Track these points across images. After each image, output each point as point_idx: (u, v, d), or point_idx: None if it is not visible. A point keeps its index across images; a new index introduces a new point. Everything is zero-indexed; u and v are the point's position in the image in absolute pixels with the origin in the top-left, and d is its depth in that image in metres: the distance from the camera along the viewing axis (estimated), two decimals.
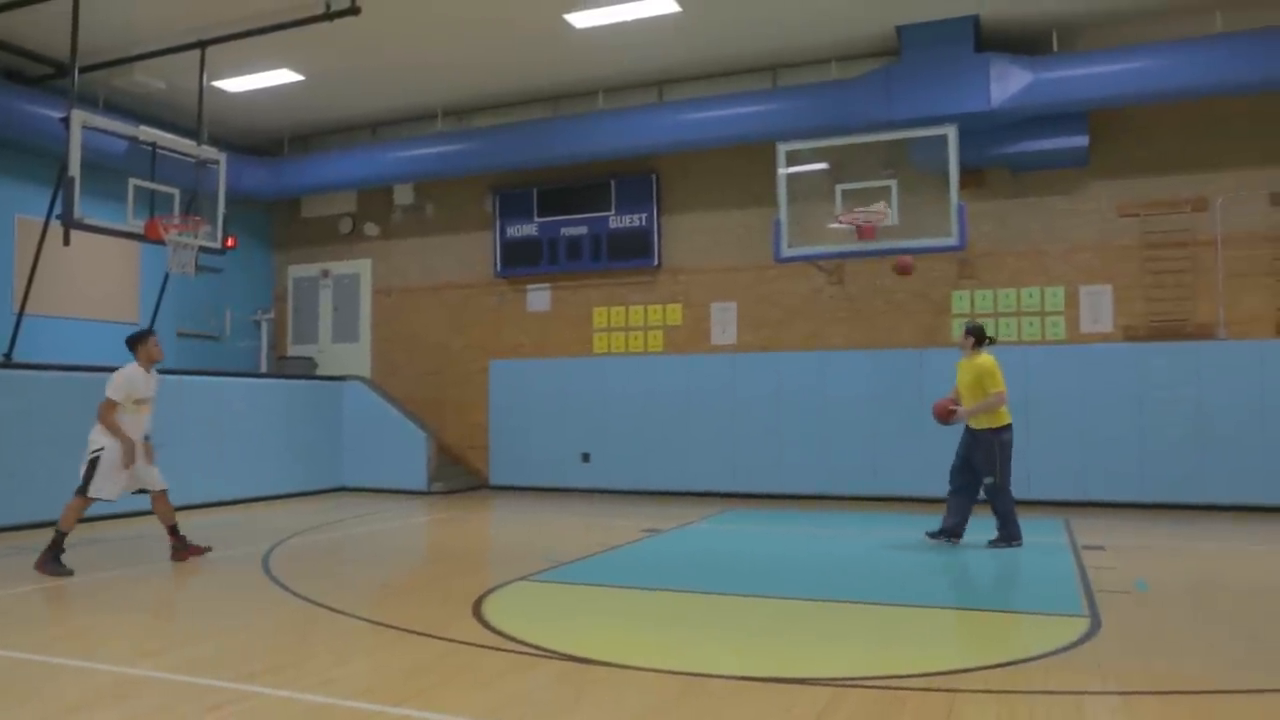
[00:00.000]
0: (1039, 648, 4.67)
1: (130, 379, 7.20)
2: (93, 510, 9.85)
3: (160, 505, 7.44)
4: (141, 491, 7.36)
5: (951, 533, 8.04)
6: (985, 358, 7.86)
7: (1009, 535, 7.87)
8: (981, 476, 7.83)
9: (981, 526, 8.13)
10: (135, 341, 7.42)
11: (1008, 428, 7.77)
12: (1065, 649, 4.66)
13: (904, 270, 9.86)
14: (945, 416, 7.99)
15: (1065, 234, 11.42)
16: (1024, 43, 10.98)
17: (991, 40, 10.93)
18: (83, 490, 7.01)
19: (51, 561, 6.81)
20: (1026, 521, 9.63)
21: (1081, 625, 5.12)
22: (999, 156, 11.17)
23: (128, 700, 3.92)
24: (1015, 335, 11.49)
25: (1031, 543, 8.36)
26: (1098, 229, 11.28)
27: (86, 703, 3.88)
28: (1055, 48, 10.86)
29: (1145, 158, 11.08)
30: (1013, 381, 10.90)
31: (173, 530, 7.50)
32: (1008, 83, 10.37)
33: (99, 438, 7.09)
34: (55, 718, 3.71)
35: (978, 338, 7.94)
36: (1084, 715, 3.73)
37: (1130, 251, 11.13)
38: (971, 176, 11.37)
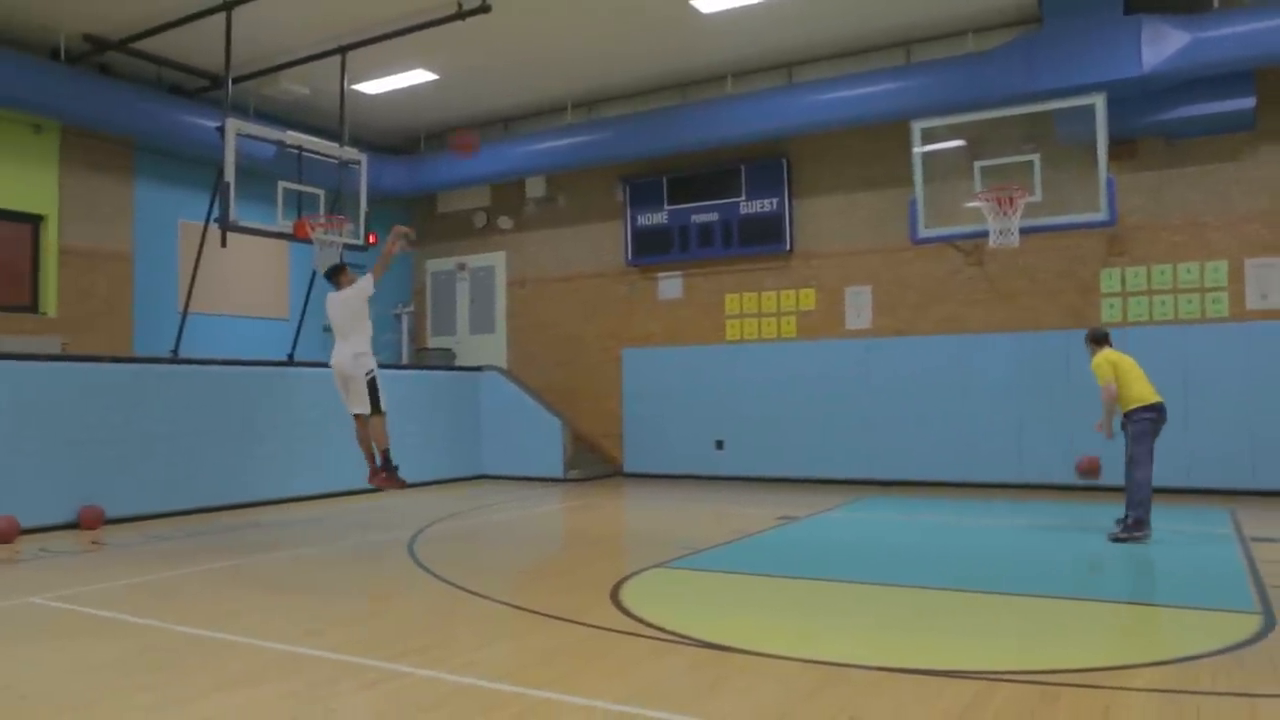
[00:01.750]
0: (1206, 645, 4.39)
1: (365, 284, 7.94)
2: (253, 497, 10.51)
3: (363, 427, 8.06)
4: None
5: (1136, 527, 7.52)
6: (1097, 358, 7.80)
7: (1133, 523, 7.46)
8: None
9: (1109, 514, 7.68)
10: (340, 272, 8.14)
11: (1141, 410, 7.53)
12: (1236, 647, 4.37)
13: (1089, 471, 8.56)
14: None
15: (1229, 204, 10.67)
16: (1179, 0, 10.29)
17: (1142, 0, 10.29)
18: (379, 409, 7.77)
19: (394, 474, 7.84)
20: (1187, 510, 9.11)
21: (1253, 622, 4.79)
22: (1152, 124, 10.51)
23: (289, 676, 4.13)
24: (1171, 314, 10.82)
25: (1194, 533, 7.89)
26: (1267, 197, 10.48)
27: (253, 677, 4.11)
28: (1216, 3, 10.14)
29: None
30: (1170, 363, 10.40)
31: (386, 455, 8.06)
32: (1162, 45, 9.74)
33: (370, 357, 7.82)
34: (225, 688, 3.95)
35: (1096, 340, 7.96)
36: (1259, 718, 3.48)
37: None
38: (1122, 147, 10.75)
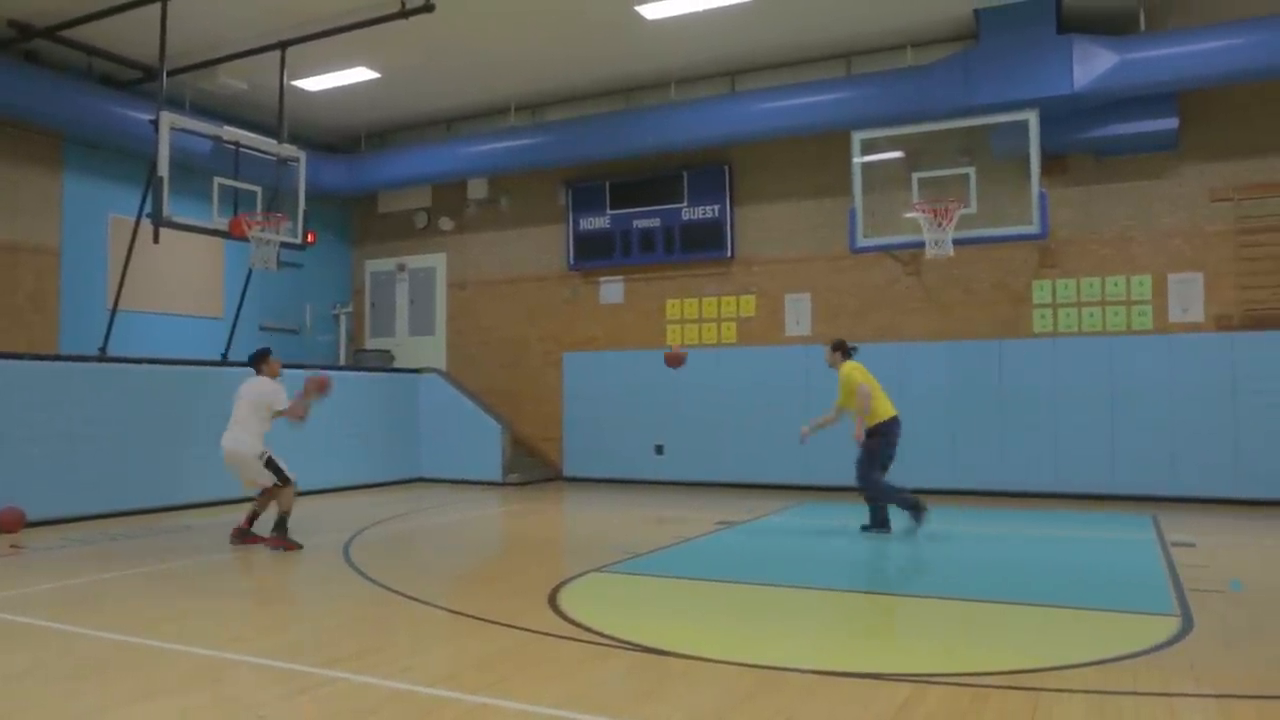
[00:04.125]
0: (1128, 647, 4.53)
1: (281, 389, 7.92)
2: (183, 499, 10.27)
3: (266, 499, 8.03)
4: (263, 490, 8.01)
5: (883, 524, 8.37)
6: (847, 367, 8.35)
7: (876, 522, 8.32)
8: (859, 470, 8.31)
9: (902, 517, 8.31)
10: (262, 360, 8.07)
11: (885, 424, 8.17)
12: (1156, 649, 4.51)
13: (675, 363, 9.45)
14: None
15: (1153, 220, 11.04)
16: (1109, 22, 10.62)
17: (1074, 21, 10.60)
18: (286, 481, 7.77)
19: (285, 536, 7.67)
20: (1112, 517, 9.39)
21: (1172, 625, 4.95)
22: (1082, 141, 10.84)
23: (220, 683, 4.04)
24: (1100, 325, 11.15)
25: (1117, 538, 8.13)
26: (1188, 215, 10.87)
27: (181, 684, 4.02)
28: (1143, 27, 10.49)
29: (1239, 140, 10.63)
30: (1097, 372, 10.74)
31: (254, 519, 8.00)
32: (1092, 65, 10.05)
33: (257, 443, 7.69)
34: (152, 696, 3.85)
35: (842, 350, 8.50)
36: (1177, 718, 3.60)
37: (1223, 237, 10.71)
38: (1054, 162, 11.05)
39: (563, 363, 13.94)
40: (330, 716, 3.65)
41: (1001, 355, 11.30)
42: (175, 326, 12.89)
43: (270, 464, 7.69)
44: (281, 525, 7.71)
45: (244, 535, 7.85)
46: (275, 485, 7.75)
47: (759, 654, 4.45)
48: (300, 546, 7.67)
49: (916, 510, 8.15)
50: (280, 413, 7.77)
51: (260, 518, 7.95)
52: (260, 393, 7.81)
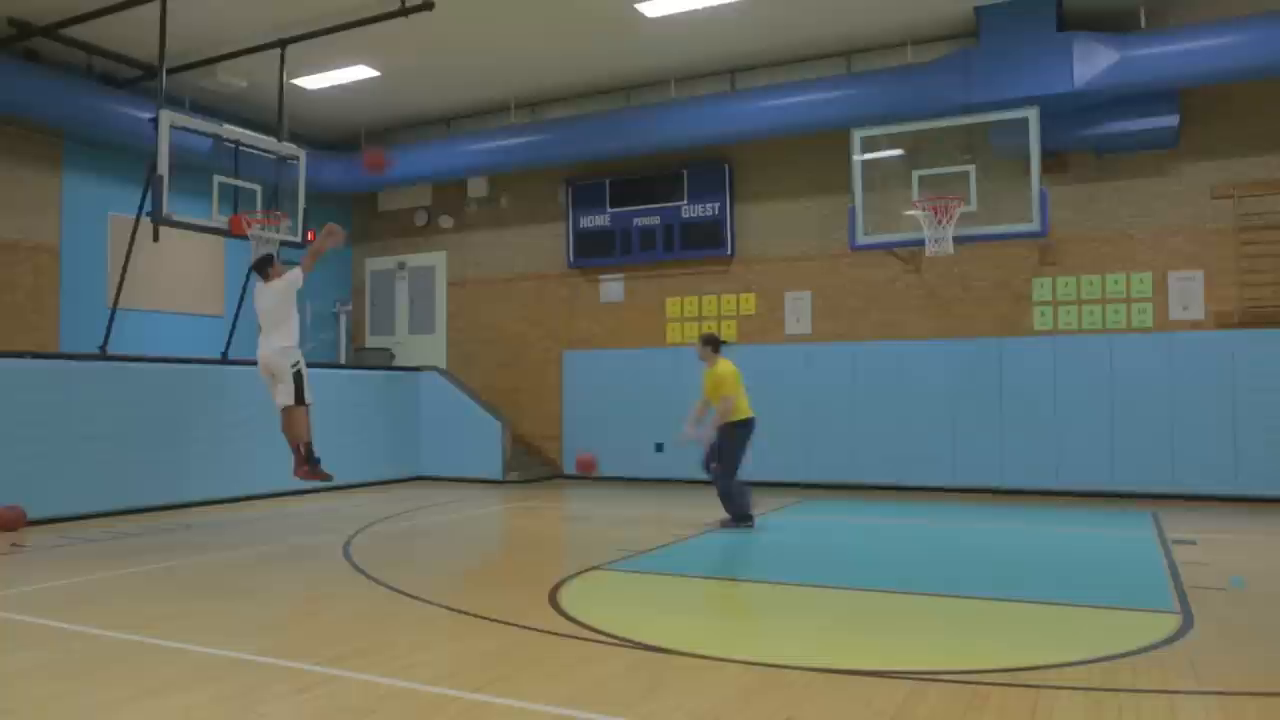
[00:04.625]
0: (1128, 644, 4.53)
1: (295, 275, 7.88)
2: (184, 497, 10.28)
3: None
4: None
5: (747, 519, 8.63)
6: (721, 365, 8.54)
7: (737, 517, 8.54)
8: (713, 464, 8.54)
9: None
10: (267, 263, 8.10)
11: (744, 422, 8.46)
12: (1156, 646, 4.52)
13: (585, 468, 9.40)
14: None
15: (1153, 218, 11.03)
16: (1109, 20, 10.62)
17: (1075, 18, 10.60)
18: (302, 400, 7.75)
19: (316, 467, 7.76)
20: (1112, 514, 9.40)
21: (1173, 622, 4.95)
22: (1083, 139, 10.83)
23: (221, 681, 4.04)
24: (1100, 323, 11.15)
25: (1118, 536, 8.14)
26: (1189, 212, 10.87)
27: (182, 683, 4.02)
28: (1143, 24, 10.48)
29: (1240, 137, 10.62)
30: (1097, 370, 10.74)
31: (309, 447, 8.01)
32: (1093, 62, 10.04)
33: (295, 348, 7.73)
34: (153, 694, 3.85)
35: (714, 346, 8.64)
36: (1177, 715, 3.60)
37: (1224, 235, 10.70)
38: (1053, 160, 11.05)
39: (563, 361, 13.94)
40: (331, 714, 3.65)
41: (1002, 353, 11.30)
42: (175, 325, 12.90)
43: (298, 378, 7.69)
44: (307, 455, 7.73)
45: (302, 467, 7.86)
46: (289, 406, 7.69)
47: (759, 652, 4.45)
48: (330, 477, 7.79)
49: (741, 522, 8.48)
50: (305, 272, 7.76)
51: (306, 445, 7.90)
52: (276, 290, 7.85)
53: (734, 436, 8.46)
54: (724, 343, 8.85)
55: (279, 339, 7.75)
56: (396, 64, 12.16)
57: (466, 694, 3.82)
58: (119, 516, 9.40)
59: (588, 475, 9.33)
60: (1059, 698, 3.76)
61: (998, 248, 11.35)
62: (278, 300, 7.82)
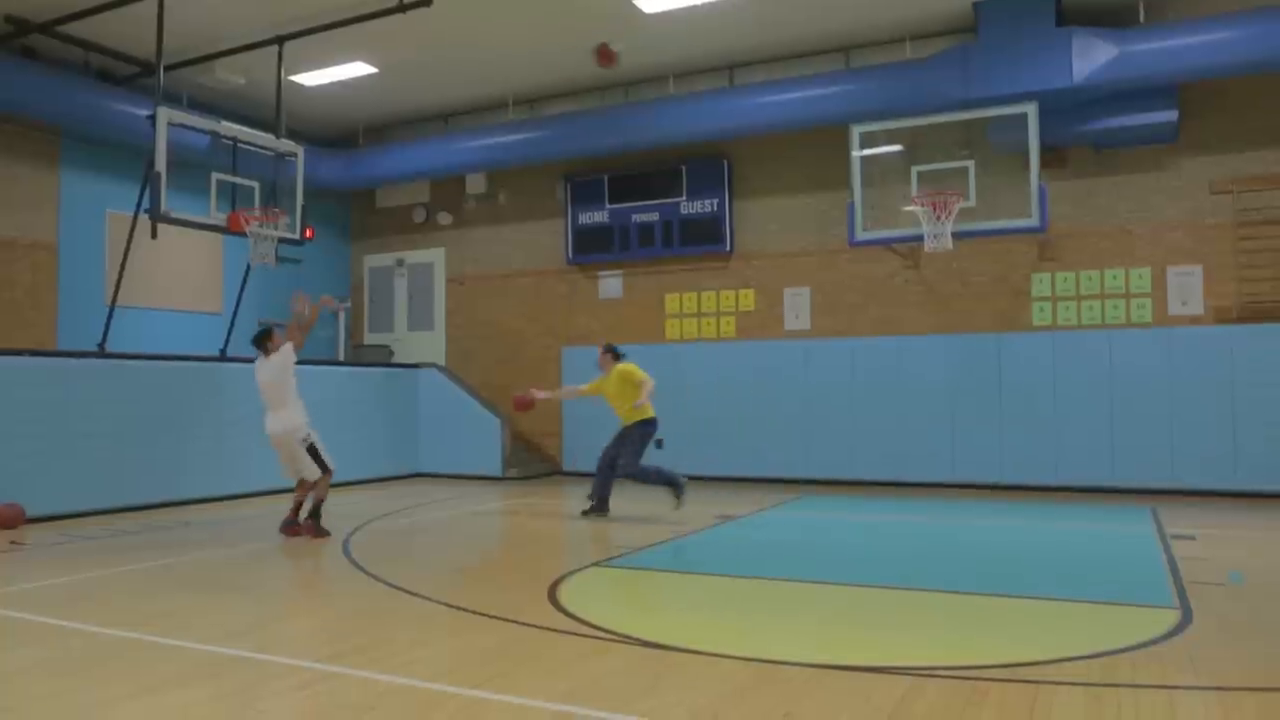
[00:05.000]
0: (1127, 640, 4.54)
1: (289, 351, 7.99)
2: (183, 495, 10.28)
3: (304, 489, 8.15)
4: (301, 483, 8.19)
5: (601, 507, 9.28)
6: (625, 366, 9.19)
7: (673, 486, 9.08)
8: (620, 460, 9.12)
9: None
10: (266, 338, 8.08)
11: (650, 421, 9.15)
12: (1155, 641, 4.52)
13: (523, 407, 9.71)
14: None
15: (1152, 213, 11.03)
16: (1108, 14, 10.61)
17: (1073, 13, 10.58)
18: (325, 469, 7.90)
19: (317, 525, 7.89)
20: (1111, 509, 9.40)
21: (1172, 618, 4.95)
22: (1081, 134, 10.82)
23: (220, 678, 4.04)
24: (1099, 318, 11.14)
25: (1117, 531, 8.14)
26: (1188, 207, 10.86)
27: (181, 680, 4.02)
28: (1142, 19, 10.47)
29: (1239, 132, 10.61)
30: (1096, 365, 10.73)
31: (299, 508, 8.15)
32: (1091, 57, 10.03)
33: (301, 424, 7.78)
34: (152, 691, 3.85)
35: (615, 354, 9.35)
36: (1176, 710, 3.60)
37: (1222, 230, 10.70)
38: (1052, 155, 11.04)
39: (562, 357, 13.93)
40: (330, 711, 3.65)
41: (1001, 349, 11.30)
42: (174, 322, 12.88)
43: (312, 451, 7.79)
44: (315, 513, 7.91)
45: (291, 526, 8.00)
46: (315, 478, 7.90)
47: (758, 648, 4.45)
48: (329, 534, 7.89)
49: (676, 486, 9.05)
50: (297, 346, 7.89)
51: (304, 506, 8.07)
52: (274, 365, 7.85)
53: (644, 433, 9.12)
54: (623, 353, 9.52)
55: (285, 418, 7.75)
56: (394, 60, 12.14)
57: (465, 690, 3.82)
58: (118, 514, 9.39)
59: (528, 411, 9.72)
60: (1058, 693, 3.76)
61: (997, 243, 11.34)
62: (276, 376, 7.80)
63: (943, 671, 4.05)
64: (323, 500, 7.97)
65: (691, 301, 13.39)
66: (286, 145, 10.92)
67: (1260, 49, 9.57)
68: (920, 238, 10.34)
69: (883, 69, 11.27)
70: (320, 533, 7.87)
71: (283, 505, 10.27)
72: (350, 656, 4.32)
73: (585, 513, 9.34)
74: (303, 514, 8.04)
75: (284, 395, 7.79)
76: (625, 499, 10.87)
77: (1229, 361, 10.30)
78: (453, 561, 7.42)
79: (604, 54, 10.10)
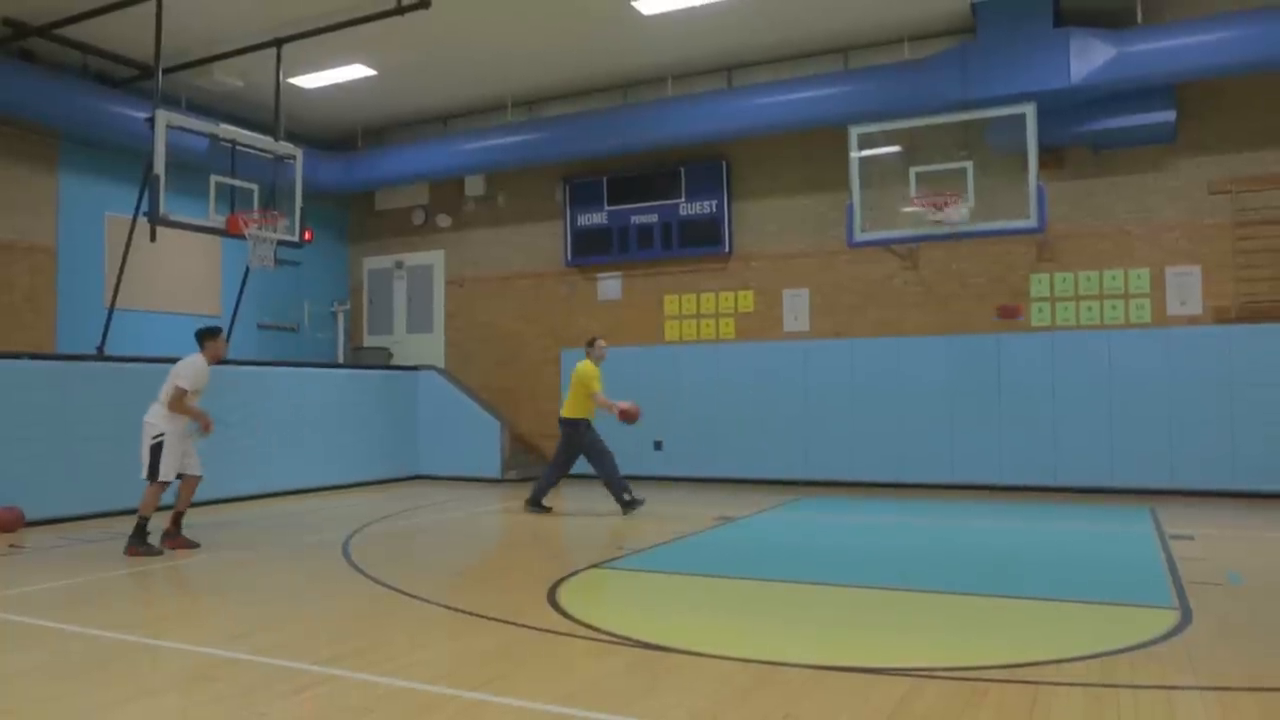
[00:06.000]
0: (1126, 640, 4.54)
1: (200, 371, 7.54)
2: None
3: (187, 490, 7.60)
4: (179, 476, 7.49)
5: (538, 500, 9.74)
6: (581, 365, 9.78)
7: (628, 501, 9.52)
8: (571, 459, 9.76)
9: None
10: (208, 336, 7.75)
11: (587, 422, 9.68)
12: (1154, 642, 4.52)
13: (633, 417, 9.86)
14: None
15: (1150, 214, 11.03)
16: (1106, 15, 10.61)
17: (1071, 14, 10.59)
18: (153, 477, 7.25)
19: (141, 544, 7.17)
20: (1110, 510, 9.40)
21: (1171, 618, 4.96)
22: (1080, 134, 10.83)
23: (219, 681, 4.04)
24: (1098, 319, 11.15)
25: (1116, 532, 8.14)
26: (1186, 207, 10.87)
27: (180, 682, 4.02)
28: (1140, 19, 10.48)
29: (1237, 132, 10.63)
30: (1095, 366, 10.73)
31: (178, 517, 7.62)
32: (1089, 58, 10.03)
33: (159, 423, 7.32)
34: (151, 694, 3.85)
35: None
36: (1175, 710, 3.61)
37: (1221, 230, 10.70)
38: (1050, 156, 11.03)
39: (561, 359, 13.93)
40: (330, 714, 3.65)
41: (999, 349, 11.30)
42: (173, 325, 12.85)
43: (153, 450, 7.20)
44: (138, 531, 7.16)
45: (169, 538, 7.50)
46: (145, 476, 7.24)
47: (758, 649, 4.45)
48: (160, 553, 7.17)
49: (539, 507, 9.66)
50: (175, 395, 7.30)
51: (185, 514, 7.61)
52: (173, 369, 7.50)
53: (590, 433, 9.75)
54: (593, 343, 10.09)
55: (153, 411, 7.37)
56: (393, 63, 12.15)
57: (465, 693, 3.82)
58: (117, 517, 9.37)
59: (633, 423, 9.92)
60: (1057, 694, 3.76)
61: (995, 244, 11.35)
62: (172, 374, 7.47)
63: (942, 672, 4.05)
64: (147, 516, 7.20)
65: (690, 303, 13.40)
66: (285, 148, 10.92)
67: (1258, 49, 9.58)
68: (919, 238, 10.35)
69: (881, 70, 11.27)
70: (145, 550, 7.13)
71: (283, 506, 10.29)
72: (349, 659, 4.32)
73: (630, 502, 9.56)
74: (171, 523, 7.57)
75: (165, 394, 7.39)
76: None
77: (1228, 361, 10.31)
78: (452, 564, 7.42)
79: (1005, 310, 10.48)
